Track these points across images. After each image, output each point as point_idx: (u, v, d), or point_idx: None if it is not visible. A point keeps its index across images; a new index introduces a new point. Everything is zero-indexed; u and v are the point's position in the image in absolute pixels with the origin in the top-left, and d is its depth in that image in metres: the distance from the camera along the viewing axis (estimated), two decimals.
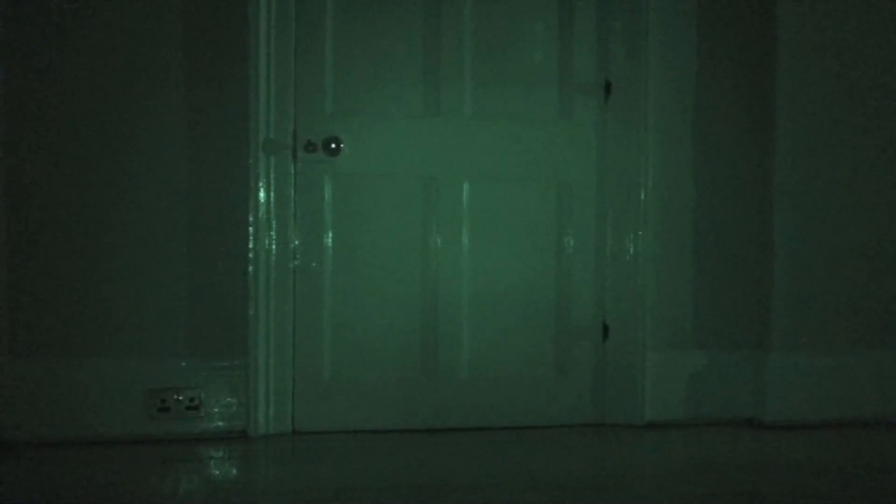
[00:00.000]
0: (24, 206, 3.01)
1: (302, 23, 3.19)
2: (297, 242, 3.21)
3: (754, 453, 3.00)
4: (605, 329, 3.36)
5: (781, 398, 3.32)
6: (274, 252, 3.17)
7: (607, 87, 3.34)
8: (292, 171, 3.19)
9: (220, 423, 3.12)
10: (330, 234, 3.23)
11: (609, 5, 3.34)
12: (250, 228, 3.12)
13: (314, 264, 3.22)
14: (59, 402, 3.02)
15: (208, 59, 3.10)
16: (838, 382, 3.36)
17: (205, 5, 3.09)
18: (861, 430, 3.27)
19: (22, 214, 3.01)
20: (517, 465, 2.80)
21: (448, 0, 3.27)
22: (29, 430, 3.00)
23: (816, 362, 3.36)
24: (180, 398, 3.08)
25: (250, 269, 3.12)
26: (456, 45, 3.28)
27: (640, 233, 3.33)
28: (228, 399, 3.13)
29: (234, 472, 2.77)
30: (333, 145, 3.18)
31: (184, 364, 3.10)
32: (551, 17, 3.33)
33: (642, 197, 3.33)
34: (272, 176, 3.16)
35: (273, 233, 3.16)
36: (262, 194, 3.14)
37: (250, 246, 3.12)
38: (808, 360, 3.35)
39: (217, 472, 2.75)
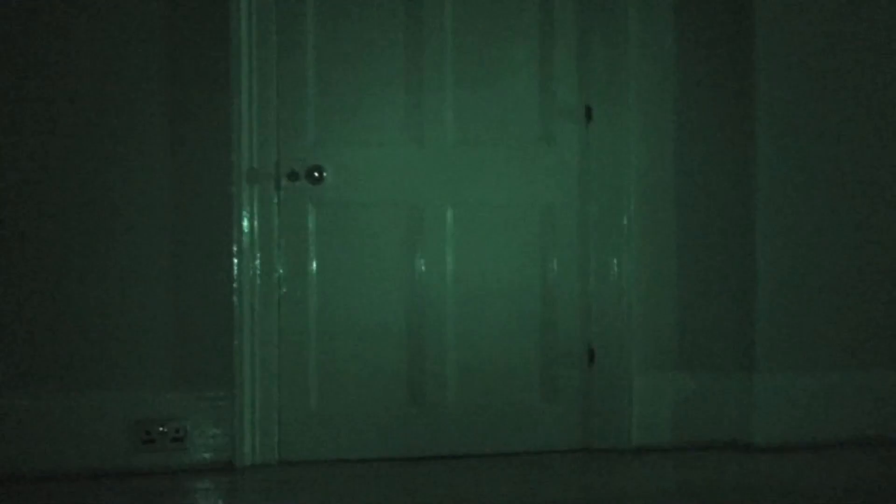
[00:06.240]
0: (3, 237, 3.00)
1: (284, 52, 3.21)
2: (281, 271, 3.20)
3: (743, 476, 2.99)
4: (591, 353, 3.35)
5: (769, 420, 3.31)
6: (258, 281, 3.16)
7: (588, 113, 3.36)
8: (276, 200, 3.19)
9: (206, 455, 3.10)
10: (314, 263, 3.23)
11: (589, 30, 3.36)
12: (234, 258, 3.12)
13: (299, 293, 3.21)
14: (42, 436, 2.99)
15: (191, 89, 3.11)
16: (825, 403, 3.35)
17: (187, 35, 3.10)
18: (849, 451, 3.26)
19: (1, 246, 3.00)
20: (505, 492, 2.79)
21: (429, 29, 3.30)
22: (10, 464, 2.97)
23: (803, 383, 3.35)
24: (165, 430, 3.05)
25: (235, 298, 3.11)
26: (438, 72, 3.30)
27: (624, 256, 3.34)
28: (214, 430, 3.10)
29: None
30: (316, 174, 3.19)
31: (169, 395, 3.08)
32: (532, 43, 3.36)
33: (625, 221, 3.34)
34: (256, 205, 3.16)
35: (257, 262, 3.16)
36: (245, 224, 3.14)
37: (235, 275, 3.12)
38: (794, 381, 3.34)
39: None
